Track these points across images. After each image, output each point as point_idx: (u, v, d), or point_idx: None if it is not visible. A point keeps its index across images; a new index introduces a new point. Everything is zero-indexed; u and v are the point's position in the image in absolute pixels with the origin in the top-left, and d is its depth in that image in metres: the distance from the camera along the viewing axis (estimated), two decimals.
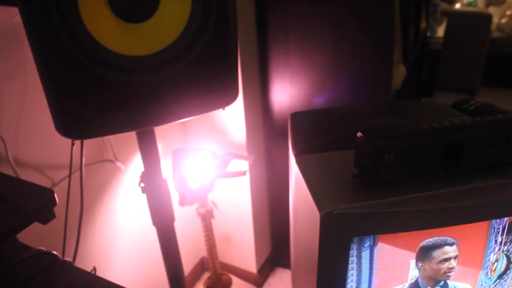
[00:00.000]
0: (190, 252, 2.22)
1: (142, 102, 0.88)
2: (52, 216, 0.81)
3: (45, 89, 0.82)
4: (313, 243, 0.74)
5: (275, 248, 2.35)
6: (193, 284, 2.26)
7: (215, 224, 2.13)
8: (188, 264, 2.21)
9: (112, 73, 0.83)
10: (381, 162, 0.69)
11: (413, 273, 0.78)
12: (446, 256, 0.77)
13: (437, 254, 0.76)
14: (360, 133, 0.69)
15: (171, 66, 0.88)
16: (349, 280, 0.75)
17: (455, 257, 0.78)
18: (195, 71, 0.91)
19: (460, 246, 0.76)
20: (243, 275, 2.25)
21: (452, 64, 2.14)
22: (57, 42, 0.77)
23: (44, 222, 0.80)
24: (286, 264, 2.37)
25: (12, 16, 1.10)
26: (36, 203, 0.79)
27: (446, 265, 0.78)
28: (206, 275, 2.30)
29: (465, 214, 0.70)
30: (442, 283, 0.80)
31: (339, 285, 0.74)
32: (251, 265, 2.22)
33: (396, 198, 0.69)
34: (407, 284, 0.80)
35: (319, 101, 1.70)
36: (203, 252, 2.31)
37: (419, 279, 0.79)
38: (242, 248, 2.19)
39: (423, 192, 0.71)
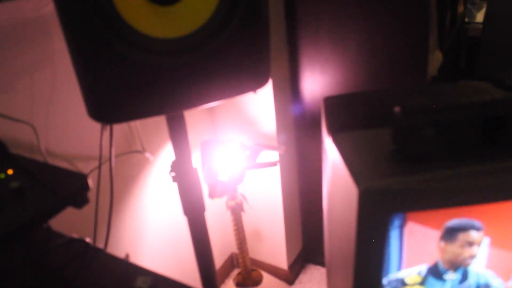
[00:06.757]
0: (219, 248, 2.21)
1: (173, 85, 0.87)
2: (85, 200, 0.82)
3: (77, 72, 0.83)
4: (350, 225, 0.71)
5: (307, 244, 2.32)
6: (223, 281, 2.25)
7: (245, 219, 2.11)
8: (217, 260, 2.20)
9: (142, 55, 0.83)
10: (420, 136, 0.67)
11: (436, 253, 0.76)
12: (470, 240, 0.74)
13: (462, 236, 0.74)
14: (398, 107, 0.67)
15: (201, 49, 0.87)
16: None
17: (478, 244, 0.75)
18: (226, 54, 0.90)
19: (493, 229, 0.74)
20: (273, 271, 2.23)
21: (492, 52, 2.04)
22: (89, 25, 0.77)
23: (79, 206, 0.81)
24: (317, 261, 2.33)
25: (40, 8, 1.12)
26: (71, 187, 0.80)
27: (468, 250, 0.75)
28: (235, 271, 2.29)
29: (505, 191, 0.67)
30: (462, 269, 0.78)
31: (378, 265, 0.72)
32: (281, 261, 2.20)
33: (435, 173, 0.67)
34: (425, 266, 0.78)
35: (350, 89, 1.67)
36: (232, 248, 2.30)
37: (439, 262, 0.77)
38: (273, 244, 2.16)
39: (464, 168, 0.68)
